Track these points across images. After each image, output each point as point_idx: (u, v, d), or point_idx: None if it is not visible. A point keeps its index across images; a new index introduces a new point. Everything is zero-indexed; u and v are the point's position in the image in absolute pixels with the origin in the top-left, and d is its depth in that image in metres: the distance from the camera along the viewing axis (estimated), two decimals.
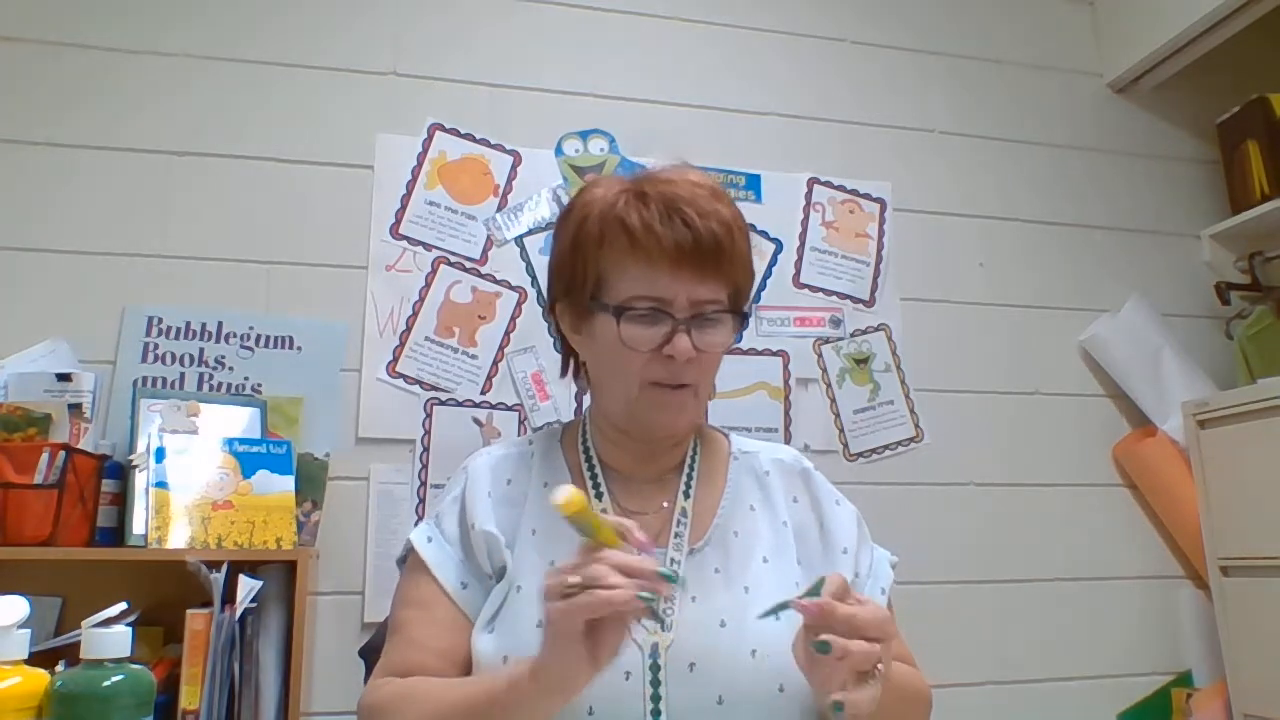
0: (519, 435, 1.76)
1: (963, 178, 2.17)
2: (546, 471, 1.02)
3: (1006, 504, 2.01)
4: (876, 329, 2.03)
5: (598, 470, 1.01)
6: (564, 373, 1.11)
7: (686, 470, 1.02)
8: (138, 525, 1.45)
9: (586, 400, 1.82)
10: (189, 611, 1.36)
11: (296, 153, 1.83)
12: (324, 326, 1.77)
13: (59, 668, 0.85)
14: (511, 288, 1.87)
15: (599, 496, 0.99)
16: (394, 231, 1.84)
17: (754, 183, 2.02)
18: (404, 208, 1.85)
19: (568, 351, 1.08)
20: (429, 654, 0.93)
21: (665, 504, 1.00)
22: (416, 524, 1.76)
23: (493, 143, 1.93)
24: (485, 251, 1.88)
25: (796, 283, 2.00)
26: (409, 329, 1.80)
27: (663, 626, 0.88)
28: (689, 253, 0.92)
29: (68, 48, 1.77)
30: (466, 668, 0.93)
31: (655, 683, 0.86)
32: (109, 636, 0.83)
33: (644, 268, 0.93)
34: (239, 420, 1.62)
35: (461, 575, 0.96)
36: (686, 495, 1.00)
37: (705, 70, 2.07)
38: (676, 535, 0.96)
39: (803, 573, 0.98)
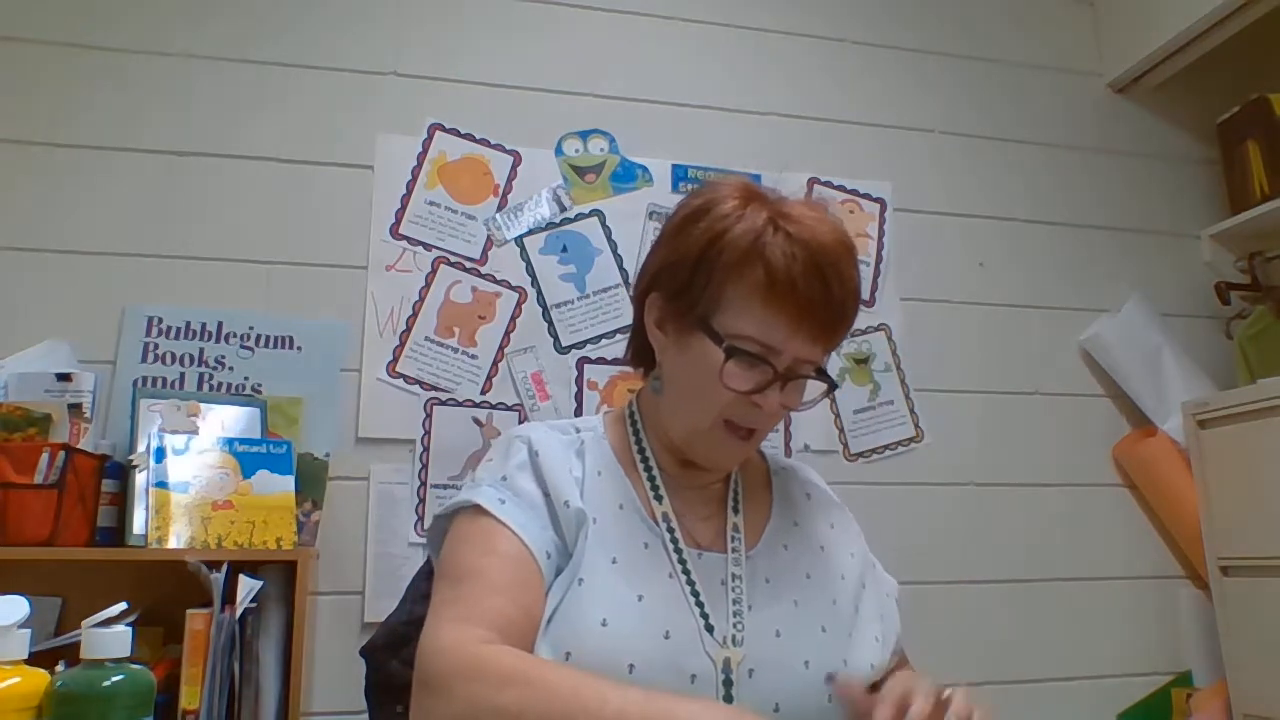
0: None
1: (963, 178, 2.16)
2: (599, 462, 0.99)
3: (1006, 504, 2.01)
4: (876, 329, 2.03)
5: (655, 473, 0.99)
6: (627, 357, 1.08)
7: (734, 486, 1.03)
8: (138, 525, 1.45)
9: (593, 399, 1.83)
10: (189, 611, 1.36)
11: (296, 153, 1.83)
12: (324, 326, 1.77)
13: (59, 668, 0.85)
14: (511, 288, 1.87)
15: (658, 499, 0.97)
16: (394, 231, 1.84)
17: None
18: (404, 208, 1.85)
19: (640, 341, 1.04)
20: (514, 606, 0.83)
21: (716, 512, 1.00)
22: (420, 515, 1.74)
23: (493, 143, 1.93)
24: (485, 251, 1.88)
25: None
26: (409, 329, 1.80)
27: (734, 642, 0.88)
28: (816, 314, 0.90)
29: (68, 48, 1.77)
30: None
31: (727, 683, 0.86)
32: (109, 636, 0.83)
33: (770, 313, 0.90)
34: (239, 420, 1.62)
35: (545, 545, 0.89)
36: (735, 510, 1.00)
37: (705, 70, 2.07)
38: (734, 550, 0.96)
39: (842, 586, 0.99)
